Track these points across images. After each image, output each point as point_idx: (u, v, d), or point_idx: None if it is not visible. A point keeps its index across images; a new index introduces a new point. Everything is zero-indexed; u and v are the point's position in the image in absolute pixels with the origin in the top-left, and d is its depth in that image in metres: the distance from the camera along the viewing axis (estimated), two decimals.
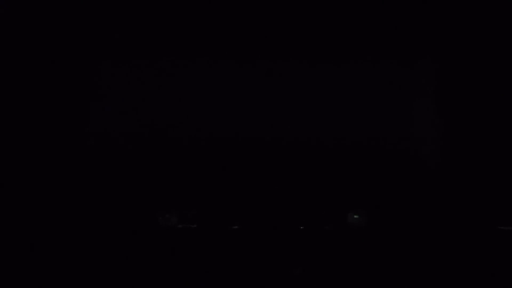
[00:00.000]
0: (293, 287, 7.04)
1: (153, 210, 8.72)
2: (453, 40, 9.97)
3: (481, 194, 9.02)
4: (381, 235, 7.68)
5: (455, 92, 10.18)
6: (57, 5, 9.54)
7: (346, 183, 9.62)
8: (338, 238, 7.64)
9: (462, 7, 9.08)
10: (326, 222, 8.48)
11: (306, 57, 10.61)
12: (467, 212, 8.53)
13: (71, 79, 9.89)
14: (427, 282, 6.66)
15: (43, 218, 7.85)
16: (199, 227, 8.22)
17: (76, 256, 7.12)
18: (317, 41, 10.32)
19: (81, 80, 10.06)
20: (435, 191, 9.38)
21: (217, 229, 8.11)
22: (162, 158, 9.93)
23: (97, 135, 10.25)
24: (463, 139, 9.97)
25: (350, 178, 9.62)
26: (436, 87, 10.50)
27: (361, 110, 10.67)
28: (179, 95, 10.75)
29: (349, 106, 10.77)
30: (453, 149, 10.05)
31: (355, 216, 8.84)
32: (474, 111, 9.86)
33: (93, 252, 7.20)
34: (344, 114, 10.72)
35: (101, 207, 8.40)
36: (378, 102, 10.73)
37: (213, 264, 7.27)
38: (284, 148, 10.34)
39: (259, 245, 7.62)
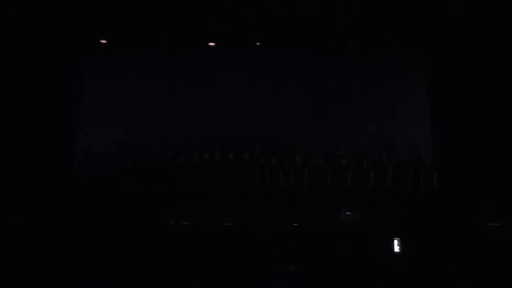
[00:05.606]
0: (287, 282, 7.05)
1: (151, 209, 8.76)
2: (445, 48, 10.08)
3: (472, 193, 9.14)
4: (376, 231, 7.73)
5: (446, 98, 10.31)
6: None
7: (341, 181, 9.70)
8: (332, 234, 7.65)
9: (454, 16, 9.16)
10: (321, 218, 8.54)
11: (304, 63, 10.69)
12: (459, 209, 8.64)
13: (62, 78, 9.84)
14: (423, 276, 6.72)
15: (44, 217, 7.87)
16: (192, 224, 8.18)
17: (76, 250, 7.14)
18: (309, 45, 10.35)
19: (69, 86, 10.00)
20: (428, 190, 9.49)
21: (210, 226, 8.08)
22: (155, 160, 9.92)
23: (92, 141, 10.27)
24: (455, 141, 10.10)
25: (344, 175, 9.69)
26: (428, 93, 10.64)
27: (358, 113, 10.76)
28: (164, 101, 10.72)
29: (344, 110, 10.86)
30: (444, 152, 10.17)
31: (348, 213, 8.91)
32: (465, 115, 10.00)
33: (94, 248, 7.19)
34: (342, 118, 10.80)
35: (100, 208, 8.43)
36: (373, 106, 10.83)
37: (207, 260, 7.25)
38: (278, 148, 10.38)
39: (253, 242, 7.60)
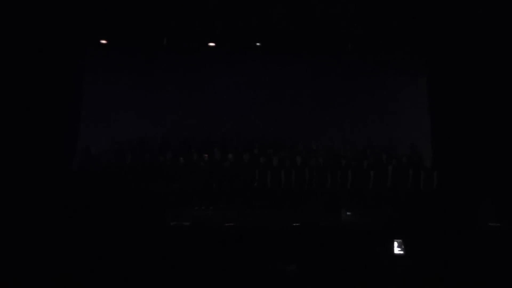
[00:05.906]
0: (288, 283, 7.05)
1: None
2: (446, 47, 10.07)
3: (472, 193, 9.14)
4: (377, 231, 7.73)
5: (446, 97, 10.30)
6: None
7: (341, 181, 9.69)
8: (332, 234, 7.65)
9: (455, 16, 9.16)
10: (321, 218, 8.54)
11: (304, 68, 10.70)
12: (459, 209, 8.64)
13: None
14: (422, 276, 6.73)
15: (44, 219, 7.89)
16: (192, 224, 8.18)
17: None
18: (309, 45, 10.33)
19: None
20: (428, 190, 9.50)
21: (210, 226, 8.08)
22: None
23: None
24: (455, 141, 10.09)
25: (344, 175, 9.69)
26: (428, 93, 10.63)
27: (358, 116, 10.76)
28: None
29: (344, 110, 10.85)
30: (444, 152, 10.17)
31: (348, 213, 8.91)
32: (465, 115, 10.00)
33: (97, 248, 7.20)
34: (342, 118, 10.79)
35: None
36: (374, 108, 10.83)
37: (207, 260, 7.25)
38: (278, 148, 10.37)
39: (253, 242, 7.60)
